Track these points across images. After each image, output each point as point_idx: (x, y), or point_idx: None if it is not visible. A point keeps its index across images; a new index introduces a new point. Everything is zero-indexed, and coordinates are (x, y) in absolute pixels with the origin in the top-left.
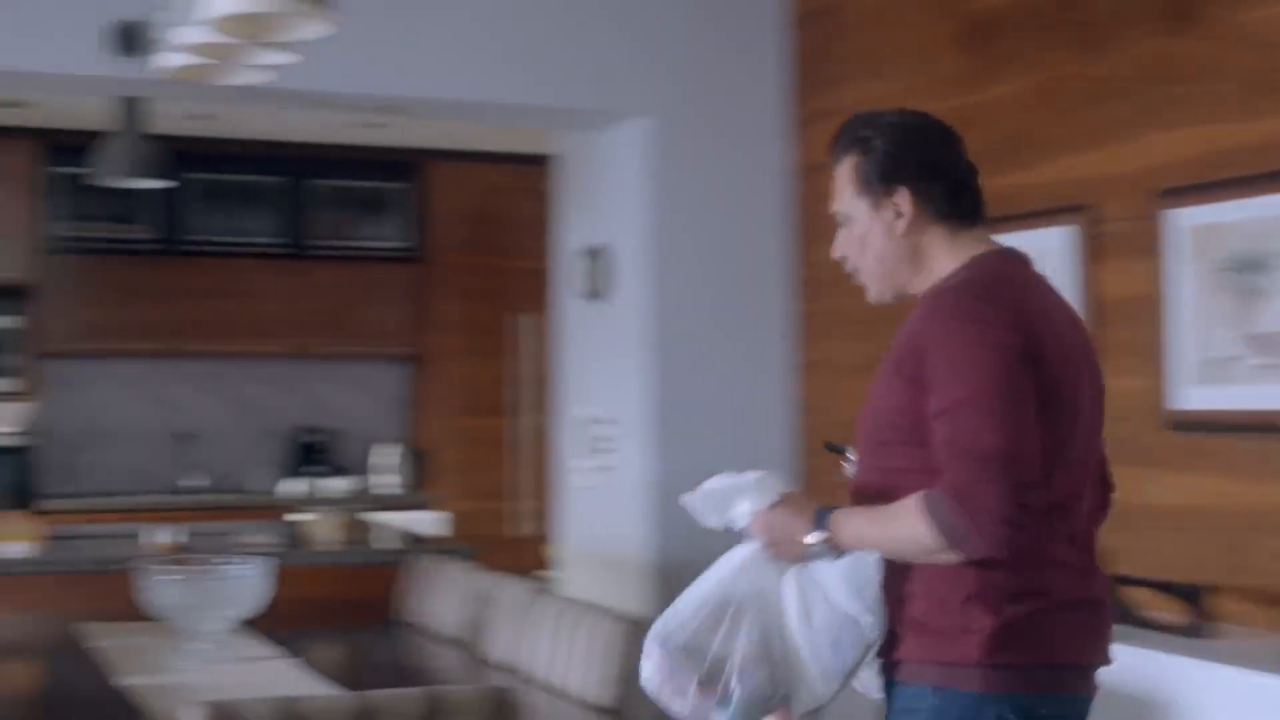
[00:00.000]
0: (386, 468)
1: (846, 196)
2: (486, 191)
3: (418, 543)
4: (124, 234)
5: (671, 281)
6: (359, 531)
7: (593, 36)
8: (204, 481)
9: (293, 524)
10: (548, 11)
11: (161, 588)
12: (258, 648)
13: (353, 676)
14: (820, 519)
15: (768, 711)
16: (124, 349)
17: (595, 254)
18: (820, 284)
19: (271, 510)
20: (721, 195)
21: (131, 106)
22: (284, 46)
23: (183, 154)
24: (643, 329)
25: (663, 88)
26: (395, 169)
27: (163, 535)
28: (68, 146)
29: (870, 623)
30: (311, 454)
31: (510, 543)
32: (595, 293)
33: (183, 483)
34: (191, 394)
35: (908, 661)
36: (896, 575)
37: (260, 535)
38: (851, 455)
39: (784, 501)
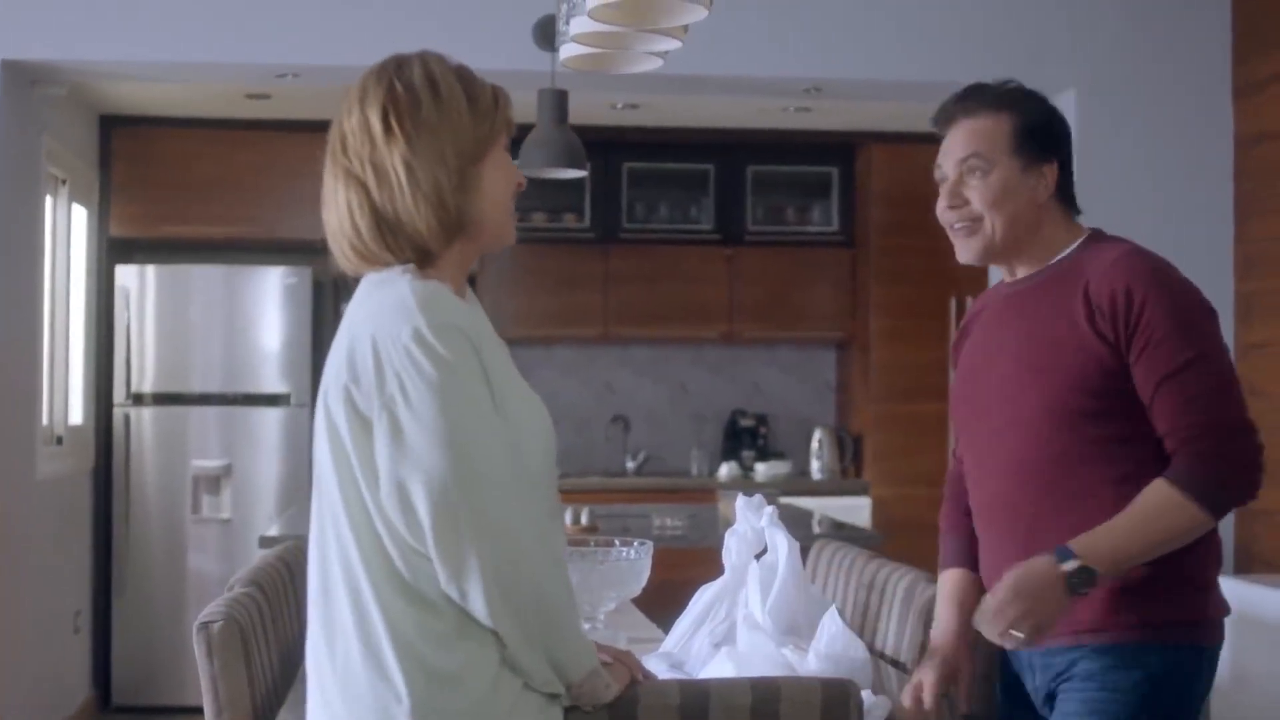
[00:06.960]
0: (823, 452)
1: (996, 147)
2: (919, 173)
3: (835, 527)
4: (562, 224)
5: None
6: None
7: (1017, 8)
8: (642, 464)
9: (714, 508)
10: None
11: None
12: (649, 630)
13: None
14: (1063, 556)
15: None
16: (563, 335)
17: None
18: (1263, 261)
19: (708, 493)
20: (1153, 169)
21: (548, 99)
22: (672, 32)
23: (616, 143)
24: None
25: (1090, 59)
26: (827, 153)
27: (571, 517)
28: (513, 140)
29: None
30: (746, 438)
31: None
32: None
33: (621, 465)
34: (629, 379)
35: (1127, 625)
36: None
37: (671, 518)
38: None
39: (1016, 580)
